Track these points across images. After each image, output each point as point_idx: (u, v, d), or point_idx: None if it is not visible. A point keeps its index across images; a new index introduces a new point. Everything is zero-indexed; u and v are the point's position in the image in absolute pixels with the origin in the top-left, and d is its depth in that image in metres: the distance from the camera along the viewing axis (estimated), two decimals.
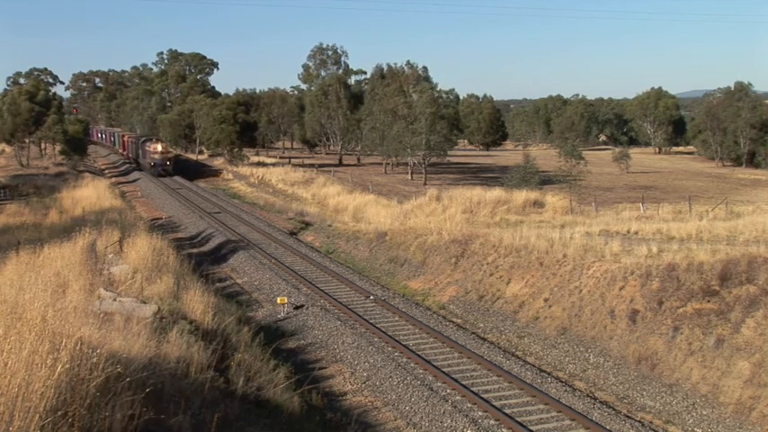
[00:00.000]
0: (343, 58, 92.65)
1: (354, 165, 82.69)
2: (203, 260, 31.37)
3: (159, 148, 70.06)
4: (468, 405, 16.05)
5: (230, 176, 71.38)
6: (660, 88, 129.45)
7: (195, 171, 74.77)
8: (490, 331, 22.77)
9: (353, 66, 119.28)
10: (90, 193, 47.05)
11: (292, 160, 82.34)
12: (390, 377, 17.75)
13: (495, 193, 46.13)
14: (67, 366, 7.31)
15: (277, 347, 18.79)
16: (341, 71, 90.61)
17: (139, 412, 7.80)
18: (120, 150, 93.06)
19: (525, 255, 25.94)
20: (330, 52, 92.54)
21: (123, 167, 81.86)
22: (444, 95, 74.07)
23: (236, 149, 78.06)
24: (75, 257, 20.16)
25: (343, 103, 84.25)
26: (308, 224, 41.87)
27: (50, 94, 79.89)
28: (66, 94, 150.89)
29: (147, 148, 70.91)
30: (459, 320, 23.90)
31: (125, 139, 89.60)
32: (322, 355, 19.88)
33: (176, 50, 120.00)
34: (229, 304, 21.68)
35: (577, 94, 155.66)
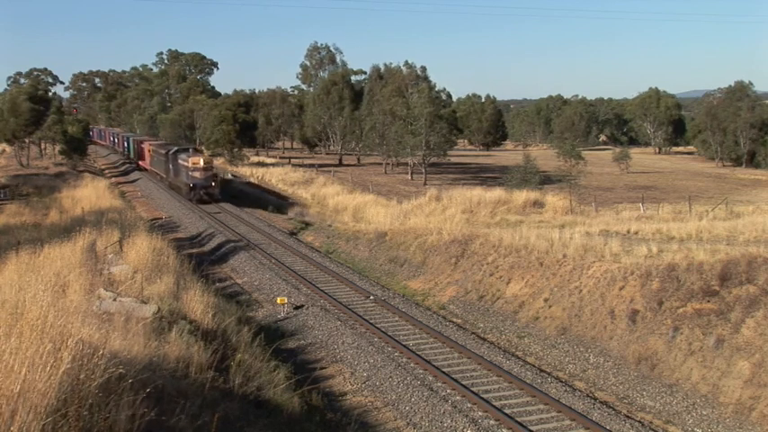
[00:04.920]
0: (338, 57, 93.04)
1: (354, 165, 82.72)
2: (203, 260, 31.34)
3: (201, 162, 48.45)
4: (468, 405, 16.06)
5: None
6: (656, 89, 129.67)
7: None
8: (490, 331, 22.77)
9: (353, 65, 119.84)
10: (90, 193, 47.06)
11: (292, 160, 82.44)
12: (390, 377, 17.76)
13: (496, 193, 46.26)
14: (69, 367, 7.32)
15: (277, 347, 18.79)
16: (338, 70, 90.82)
17: (141, 412, 7.81)
18: (140, 162, 71.15)
19: (525, 255, 25.96)
20: (324, 52, 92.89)
21: (123, 167, 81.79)
22: (444, 96, 74.31)
23: (236, 149, 78.11)
24: (75, 257, 20.17)
25: (345, 102, 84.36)
26: (307, 224, 41.88)
27: (50, 93, 79.92)
28: (66, 95, 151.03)
29: (182, 163, 49.80)
30: (459, 320, 23.90)
31: (146, 147, 66.46)
32: (322, 355, 19.88)
33: (176, 50, 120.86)
34: (229, 304, 21.67)
35: (577, 95, 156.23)
